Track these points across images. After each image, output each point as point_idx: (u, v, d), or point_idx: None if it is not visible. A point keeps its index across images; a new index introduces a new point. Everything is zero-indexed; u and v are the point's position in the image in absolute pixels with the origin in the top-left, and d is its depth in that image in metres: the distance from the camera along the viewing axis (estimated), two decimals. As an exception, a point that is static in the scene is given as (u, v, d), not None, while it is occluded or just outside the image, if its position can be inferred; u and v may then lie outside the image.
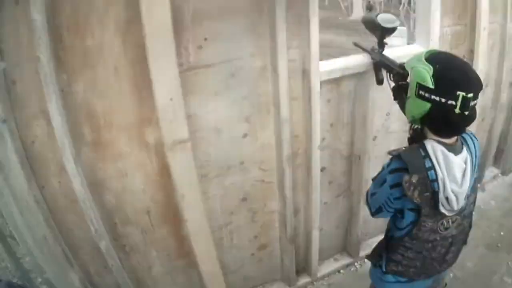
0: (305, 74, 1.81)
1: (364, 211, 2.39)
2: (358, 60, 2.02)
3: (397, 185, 1.26)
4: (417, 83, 1.21)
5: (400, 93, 1.70)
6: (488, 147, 3.20)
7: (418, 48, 2.28)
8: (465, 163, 1.27)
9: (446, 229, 1.32)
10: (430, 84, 1.18)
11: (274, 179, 2.03)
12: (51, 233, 1.69)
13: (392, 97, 1.76)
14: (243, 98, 1.75)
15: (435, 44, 2.29)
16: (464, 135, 1.32)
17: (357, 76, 2.04)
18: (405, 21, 10.16)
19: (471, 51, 2.58)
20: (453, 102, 1.15)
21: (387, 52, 1.94)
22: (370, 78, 2.02)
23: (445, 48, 2.40)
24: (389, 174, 1.29)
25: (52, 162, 1.61)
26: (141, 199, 1.80)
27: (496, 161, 3.42)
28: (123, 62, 1.54)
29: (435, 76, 1.18)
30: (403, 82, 1.71)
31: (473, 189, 1.33)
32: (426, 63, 1.21)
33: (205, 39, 1.57)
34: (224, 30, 1.59)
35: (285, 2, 1.59)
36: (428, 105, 1.19)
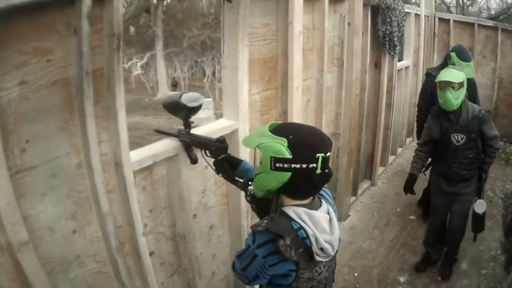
0: (118, 166, 1.87)
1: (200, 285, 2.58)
2: (168, 144, 2.12)
3: (271, 253, 1.27)
4: (271, 157, 1.24)
5: (223, 167, 1.82)
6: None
7: (228, 122, 2.41)
8: (328, 213, 1.35)
9: (319, 274, 1.37)
10: (287, 155, 1.22)
11: (110, 269, 2.06)
12: None
13: (215, 172, 1.87)
14: (66, 196, 1.77)
15: (245, 114, 2.42)
16: None
17: (169, 160, 2.15)
18: (210, 92, 10.48)
19: (284, 113, 2.75)
20: (314, 165, 1.22)
21: (196, 130, 2.05)
22: (181, 159, 2.16)
23: (255, 116, 2.62)
24: (257, 249, 1.28)
25: None
26: None
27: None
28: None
29: (292, 146, 1.23)
30: (224, 155, 1.84)
31: None
32: (276, 136, 1.26)
33: (27, 141, 1.58)
34: (42, 131, 1.62)
35: (92, 96, 1.67)
36: (288, 174, 1.24)
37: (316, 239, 1.25)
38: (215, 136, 2.06)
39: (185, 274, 2.52)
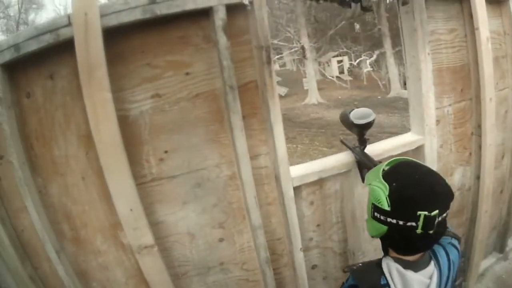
0: (277, 179, 1.74)
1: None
2: (339, 160, 1.92)
3: None
4: (372, 204, 1.11)
5: None
6: (509, 217, 2.81)
7: (412, 137, 2.12)
8: (430, 278, 1.15)
9: None
10: (385, 205, 1.06)
11: (260, 278, 1.93)
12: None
13: None
14: (214, 206, 1.71)
15: (432, 129, 2.10)
16: (435, 246, 1.19)
17: (343, 175, 1.93)
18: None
19: (479, 126, 2.34)
20: (413, 223, 1.03)
21: (378, 145, 1.83)
22: (355, 176, 1.92)
23: (448, 129, 2.26)
24: None
25: (41, 249, 1.72)
26: None
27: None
28: (89, 172, 1.58)
29: (391, 197, 1.06)
30: None
31: None
32: (382, 180, 1.10)
33: (166, 151, 1.58)
34: (184, 143, 1.58)
35: (241, 110, 1.55)
36: (385, 227, 1.09)
37: None
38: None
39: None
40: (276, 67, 27.16)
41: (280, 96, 19.47)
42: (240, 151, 1.57)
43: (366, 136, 1.77)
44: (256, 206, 1.70)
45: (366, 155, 1.77)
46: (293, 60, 29.89)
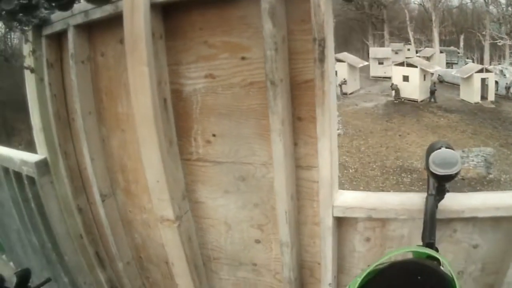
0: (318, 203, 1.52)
1: None
2: (405, 202, 1.52)
3: None
4: None
5: None
6: None
7: None
8: None
9: None
10: None
11: None
12: (85, 236, 2.11)
13: None
14: (255, 205, 1.58)
15: None
16: None
17: (412, 220, 1.52)
18: None
19: None
20: None
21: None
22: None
23: None
24: None
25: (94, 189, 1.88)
26: (160, 251, 1.87)
27: None
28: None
29: None
30: None
31: None
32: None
33: (214, 135, 1.50)
34: (234, 131, 1.47)
35: (280, 112, 1.33)
36: None
37: None
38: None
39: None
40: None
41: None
42: (276, 157, 1.38)
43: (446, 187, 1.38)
44: (286, 222, 1.50)
45: (433, 212, 1.37)
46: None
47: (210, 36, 1.38)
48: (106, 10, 1.45)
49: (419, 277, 0.97)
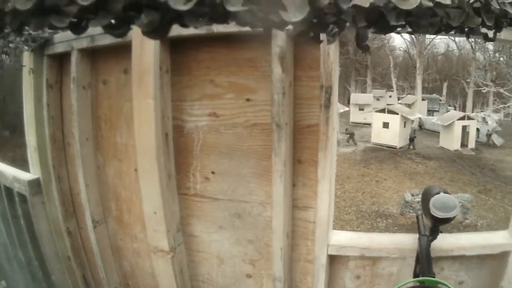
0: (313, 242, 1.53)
1: None
2: (396, 242, 1.57)
3: None
4: None
5: None
6: None
7: (499, 240, 1.61)
8: None
9: None
10: None
11: None
12: (73, 258, 2.09)
13: None
14: (249, 242, 1.57)
15: None
16: None
17: (402, 260, 1.58)
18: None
19: None
20: None
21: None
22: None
23: None
24: None
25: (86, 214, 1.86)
26: (149, 280, 1.85)
27: None
28: (141, 167, 1.59)
29: None
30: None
31: None
32: None
33: (213, 172, 1.50)
34: (233, 170, 1.47)
35: (283, 155, 1.34)
36: None
37: None
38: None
39: None
40: (500, 116, 24.19)
41: (495, 146, 17.56)
42: (276, 197, 1.39)
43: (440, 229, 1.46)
44: (281, 259, 1.51)
45: (428, 251, 1.45)
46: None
47: (216, 75, 1.39)
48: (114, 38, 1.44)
49: None
